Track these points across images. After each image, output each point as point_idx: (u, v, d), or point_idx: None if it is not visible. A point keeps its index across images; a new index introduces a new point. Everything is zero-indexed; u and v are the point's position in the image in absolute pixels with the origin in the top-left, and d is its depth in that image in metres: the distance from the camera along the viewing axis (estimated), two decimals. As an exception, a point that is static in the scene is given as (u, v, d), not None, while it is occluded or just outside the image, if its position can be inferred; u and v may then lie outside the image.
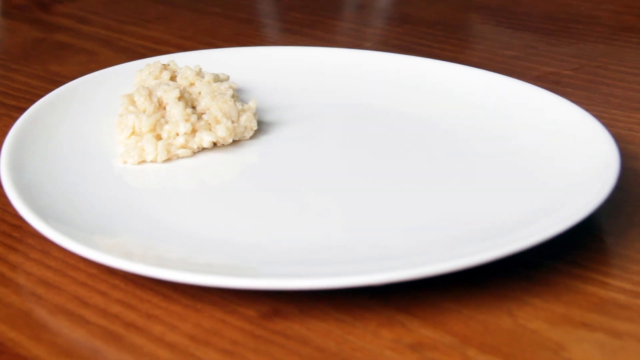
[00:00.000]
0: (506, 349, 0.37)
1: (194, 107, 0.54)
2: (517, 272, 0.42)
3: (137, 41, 0.76)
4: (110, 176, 0.50)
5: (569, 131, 0.51)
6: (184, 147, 0.52)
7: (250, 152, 0.53)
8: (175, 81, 0.56)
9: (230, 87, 0.55)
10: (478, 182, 0.49)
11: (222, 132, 0.52)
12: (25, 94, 0.64)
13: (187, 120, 0.52)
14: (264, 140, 0.54)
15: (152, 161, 0.51)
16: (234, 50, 0.66)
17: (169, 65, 0.58)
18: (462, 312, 0.39)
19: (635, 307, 0.40)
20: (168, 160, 0.52)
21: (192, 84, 0.56)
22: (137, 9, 0.86)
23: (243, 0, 0.89)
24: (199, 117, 0.53)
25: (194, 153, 0.52)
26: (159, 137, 0.52)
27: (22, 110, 0.55)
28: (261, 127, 0.56)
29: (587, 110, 0.53)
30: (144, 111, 0.53)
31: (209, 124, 0.53)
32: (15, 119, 0.53)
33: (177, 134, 0.52)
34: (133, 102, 0.53)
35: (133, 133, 0.52)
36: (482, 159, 0.51)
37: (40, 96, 0.57)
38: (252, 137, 0.54)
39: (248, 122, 0.54)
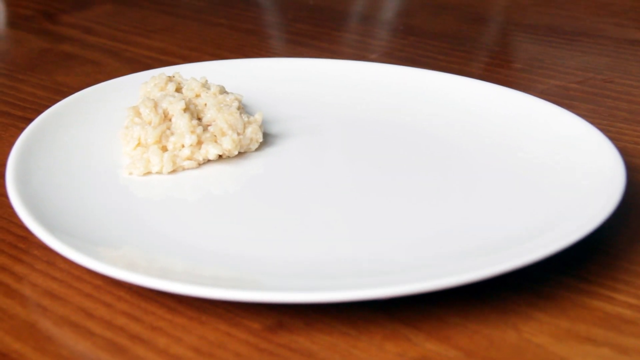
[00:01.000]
0: (511, 363, 0.37)
1: (199, 119, 0.54)
2: (523, 286, 0.42)
3: (143, 52, 0.77)
4: (115, 188, 0.50)
5: (575, 144, 0.51)
6: (189, 158, 0.52)
7: (256, 164, 0.53)
8: (181, 93, 0.56)
9: (236, 98, 0.55)
10: (483, 196, 0.49)
11: (227, 145, 0.52)
12: (31, 104, 0.65)
13: (192, 132, 0.52)
14: (269, 152, 0.55)
15: (157, 173, 0.51)
16: (239, 62, 0.66)
17: (174, 77, 0.58)
18: (467, 326, 0.39)
19: (641, 322, 0.40)
20: (174, 171, 0.52)
21: (197, 96, 0.56)
22: (143, 20, 0.86)
23: (248, 12, 0.90)
24: (205, 129, 0.53)
25: (200, 164, 0.53)
26: (164, 149, 0.52)
27: (29, 120, 0.55)
28: (266, 138, 0.56)
29: (593, 123, 0.53)
30: (150, 123, 0.53)
31: (215, 135, 0.53)
32: (21, 129, 0.54)
33: (183, 146, 0.52)
34: (139, 114, 0.53)
35: (139, 144, 0.52)
36: (487, 172, 0.51)
37: (47, 107, 0.57)
38: (257, 149, 0.54)
39: (254, 134, 0.54)
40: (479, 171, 0.51)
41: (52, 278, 0.43)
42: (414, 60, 0.73)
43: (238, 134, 0.53)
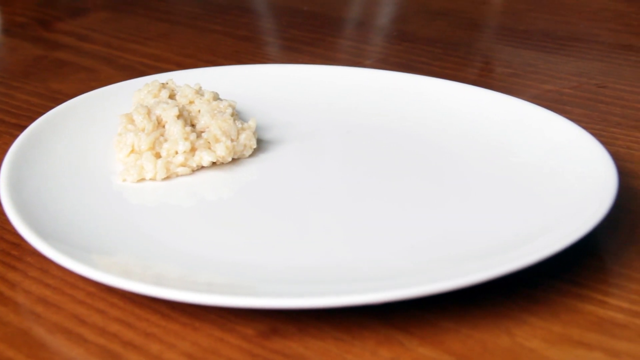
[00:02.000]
0: (504, 368, 0.37)
1: (193, 125, 0.54)
2: (516, 291, 0.42)
3: (137, 59, 0.77)
4: (109, 194, 0.50)
5: (568, 149, 0.51)
6: (183, 165, 0.52)
7: (250, 170, 0.53)
8: (175, 99, 0.56)
9: (230, 105, 0.56)
10: (476, 201, 0.49)
11: (221, 151, 0.52)
12: (25, 111, 0.65)
13: (186, 139, 0.52)
14: (263, 158, 0.55)
15: (151, 179, 0.52)
16: (233, 68, 0.66)
17: (167, 83, 0.58)
18: (460, 331, 0.39)
19: (633, 326, 0.39)
20: (167, 178, 0.52)
21: (191, 102, 0.56)
22: (137, 27, 0.86)
23: (243, 18, 0.90)
24: (199, 136, 0.53)
25: (193, 171, 0.53)
26: (158, 155, 0.52)
27: (22, 128, 0.55)
28: (260, 145, 0.56)
29: (586, 128, 0.53)
30: (143, 130, 0.53)
31: (209, 142, 0.53)
32: (15, 136, 0.54)
33: (177, 152, 0.52)
34: (132, 121, 0.54)
35: (132, 151, 0.52)
36: (480, 177, 0.51)
37: (41, 114, 0.57)
38: (251, 155, 0.54)
39: (247, 140, 0.54)
40: (472, 176, 0.51)
41: (46, 285, 0.43)
42: (408, 66, 0.73)
43: (232, 140, 0.53)
